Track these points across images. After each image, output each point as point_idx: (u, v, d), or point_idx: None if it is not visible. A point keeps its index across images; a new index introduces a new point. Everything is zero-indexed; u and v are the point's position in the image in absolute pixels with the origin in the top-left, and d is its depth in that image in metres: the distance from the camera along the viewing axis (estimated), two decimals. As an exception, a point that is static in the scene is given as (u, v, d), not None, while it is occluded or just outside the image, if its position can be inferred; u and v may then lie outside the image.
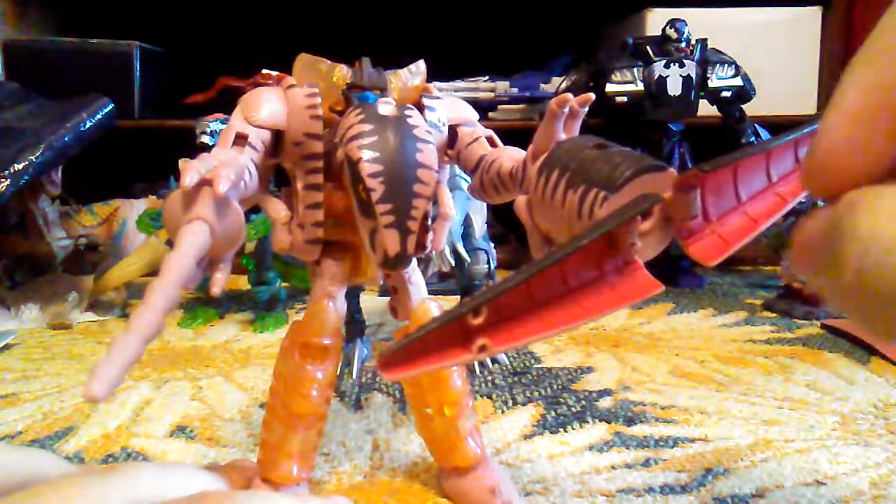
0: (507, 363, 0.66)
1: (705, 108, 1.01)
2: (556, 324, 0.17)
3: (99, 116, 0.91)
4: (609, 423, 0.52)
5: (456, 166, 0.38)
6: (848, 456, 0.46)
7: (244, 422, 0.53)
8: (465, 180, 0.65)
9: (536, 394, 0.58)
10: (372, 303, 0.88)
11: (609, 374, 0.63)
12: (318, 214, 0.36)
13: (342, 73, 0.37)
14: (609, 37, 1.29)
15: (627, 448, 0.48)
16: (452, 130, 0.37)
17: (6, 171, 0.79)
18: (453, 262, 0.67)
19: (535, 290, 0.17)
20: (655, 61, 0.97)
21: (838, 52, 1.19)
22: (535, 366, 0.66)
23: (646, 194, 0.20)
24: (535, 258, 0.27)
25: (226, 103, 0.80)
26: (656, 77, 0.96)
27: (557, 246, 0.17)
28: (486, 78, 1.19)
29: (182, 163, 0.74)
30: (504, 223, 1.17)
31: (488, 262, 0.70)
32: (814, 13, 1.19)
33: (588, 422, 0.53)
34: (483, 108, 1.12)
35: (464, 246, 0.67)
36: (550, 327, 0.17)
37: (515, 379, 0.62)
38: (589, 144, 0.24)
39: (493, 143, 0.36)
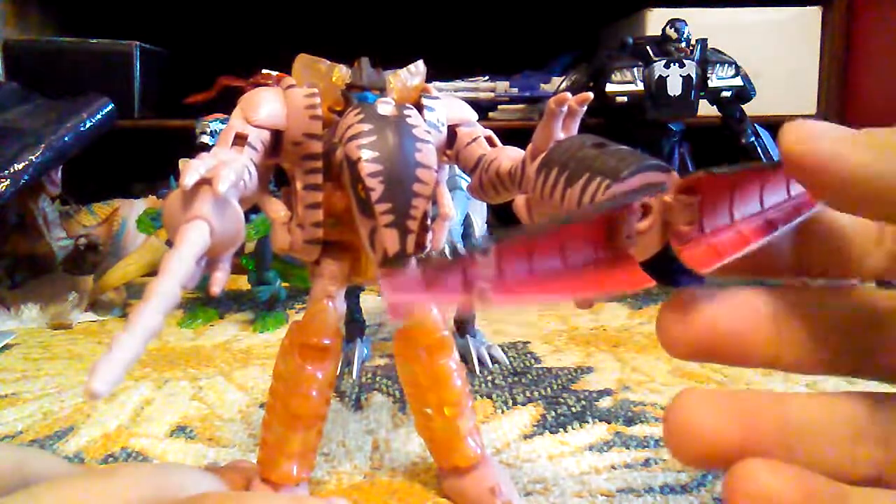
0: (507, 363, 0.66)
1: (705, 108, 1.00)
2: (552, 291, 0.18)
3: (99, 116, 0.91)
4: (609, 423, 0.52)
5: (456, 166, 0.38)
6: (848, 456, 0.46)
7: (244, 422, 0.53)
8: (465, 180, 0.65)
9: (536, 394, 0.58)
10: (372, 303, 0.88)
11: (609, 374, 0.63)
12: (318, 214, 0.36)
13: (341, 73, 0.37)
14: (609, 37, 1.29)
15: (627, 448, 0.48)
16: (451, 130, 0.37)
17: (6, 171, 0.79)
18: (453, 262, 0.67)
19: (535, 259, 0.18)
20: (655, 61, 0.97)
21: (838, 52, 1.19)
22: (535, 366, 0.66)
23: (650, 182, 0.20)
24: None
25: (226, 103, 0.80)
26: (656, 77, 0.96)
27: (566, 213, 0.18)
28: (486, 78, 1.19)
29: (182, 163, 0.74)
30: (504, 223, 1.18)
31: (488, 262, 0.69)
32: (814, 13, 1.19)
33: (588, 422, 0.53)
34: (483, 108, 1.12)
35: (464, 246, 0.67)
36: (545, 293, 0.17)
37: (515, 379, 0.62)
38: (588, 143, 0.24)
39: (491, 143, 0.36)
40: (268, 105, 0.34)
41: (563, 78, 1.10)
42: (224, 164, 0.26)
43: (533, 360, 0.68)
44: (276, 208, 0.36)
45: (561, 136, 0.27)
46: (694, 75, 0.96)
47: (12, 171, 0.79)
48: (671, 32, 0.97)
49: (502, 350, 0.68)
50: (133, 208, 1.05)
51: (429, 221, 0.34)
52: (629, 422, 0.52)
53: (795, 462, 0.17)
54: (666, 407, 0.18)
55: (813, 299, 0.18)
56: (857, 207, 0.17)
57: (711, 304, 0.18)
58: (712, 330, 0.18)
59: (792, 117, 0.19)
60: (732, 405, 0.17)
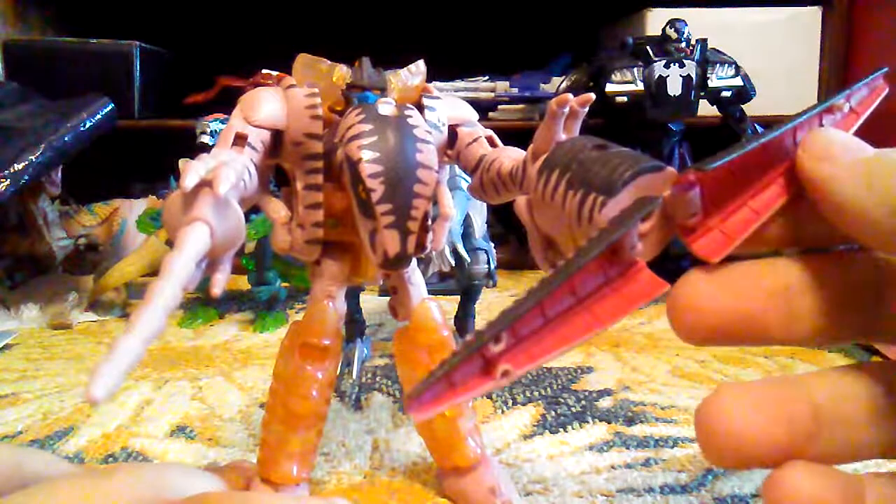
0: (507, 363, 0.66)
1: (705, 108, 1.00)
2: (572, 337, 0.17)
3: (99, 116, 0.91)
4: (609, 423, 0.52)
5: (456, 166, 0.38)
6: (848, 456, 0.46)
7: (244, 422, 0.53)
8: (465, 180, 0.65)
9: (536, 394, 0.58)
10: (372, 303, 0.88)
11: (609, 374, 0.63)
12: (318, 214, 0.36)
13: (342, 73, 0.37)
14: (609, 37, 1.29)
15: (627, 448, 0.48)
16: (452, 130, 0.37)
17: (6, 171, 0.79)
18: (453, 262, 0.67)
19: (547, 306, 0.17)
20: (655, 61, 0.97)
21: (838, 52, 1.19)
22: (535, 366, 0.66)
23: (645, 197, 0.20)
24: (536, 259, 0.27)
25: (226, 103, 0.80)
26: (656, 77, 0.96)
27: (566, 262, 0.17)
28: (486, 78, 1.19)
29: (182, 163, 0.74)
30: (504, 223, 1.17)
31: (488, 262, 0.70)
32: (814, 13, 1.19)
33: (588, 422, 0.53)
34: (483, 108, 1.12)
35: (464, 246, 0.67)
36: (567, 341, 0.17)
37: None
38: (589, 145, 0.24)
39: (492, 143, 0.36)
40: (268, 105, 0.34)
41: (563, 78, 1.10)
42: (224, 164, 0.26)
43: (533, 361, 0.67)
44: (277, 208, 0.36)
45: (562, 137, 0.27)
46: (694, 75, 0.96)
47: (12, 171, 0.79)
48: (671, 32, 0.97)
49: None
50: (133, 208, 1.05)
51: (429, 222, 0.34)
52: (629, 422, 0.52)
53: (823, 447, 0.17)
54: (698, 408, 0.17)
55: (821, 267, 0.18)
56: (850, 231, 0.17)
57: (721, 288, 0.18)
58: (725, 315, 0.18)
59: (792, 117, 0.19)
60: (768, 401, 0.17)
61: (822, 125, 0.20)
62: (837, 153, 0.17)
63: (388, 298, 0.41)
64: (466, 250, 0.67)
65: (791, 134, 0.19)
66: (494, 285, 0.71)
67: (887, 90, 0.22)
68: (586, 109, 0.27)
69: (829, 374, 0.18)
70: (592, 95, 0.28)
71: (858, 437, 0.17)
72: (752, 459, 0.17)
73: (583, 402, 0.56)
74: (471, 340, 0.16)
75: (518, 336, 0.17)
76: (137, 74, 1.15)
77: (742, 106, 1.01)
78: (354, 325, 0.66)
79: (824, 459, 0.17)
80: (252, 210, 0.71)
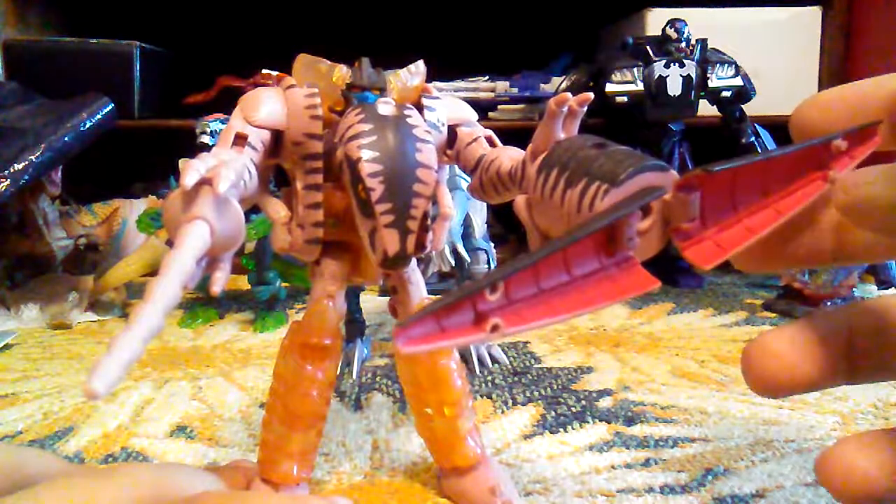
0: (507, 363, 0.66)
1: (705, 108, 1.01)
2: (560, 310, 0.17)
3: (99, 116, 0.91)
4: (609, 423, 0.52)
5: (456, 166, 0.38)
6: (848, 456, 0.46)
7: (244, 422, 0.53)
8: (465, 180, 0.65)
9: (536, 394, 0.58)
10: (372, 303, 0.88)
11: (609, 374, 0.63)
12: (318, 214, 0.36)
13: (342, 73, 0.37)
14: (609, 37, 1.29)
15: (627, 448, 0.48)
16: (452, 130, 0.37)
17: (6, 171, 0.79)
18: (453, 262, 0.67)
19: (542, 277, 0.17)
20: (655, 61, 0.97)
21: (838, 52, 1.19)
22: (535, 366, 0.66)
23: (650, 186, 0.20)
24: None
25: (226, 103, 0.80)
26: (656, 77, 0.96)
27: (566, 232, 0.18)
28: (486, 78, 1.19)
29: (182, 163, 0.74)
30: (504, 223, 1.18)
31: (488, 262, 0.70)
32: (814, 13, 1.19)
33: (588, 422, 0.53)
34: (483, 108, 1.12)
35: (464, 246, 0.67)
36: (556, 313, 0.17)
37: (515, 379, 0.62)
38: (588, 144, 0.24)
39: (492, 143, 0.36)
40: (268, 105, 0.34)
41: (563, 78, 1.10)
42: (224, 163, 0.26)
43: (533, 360, 0.68)
44: (277, 208, 0.36)
45: (561, 136, 0.27)
46: (694, 75, 0.96)
47: (12, 171, 0.79)
48: (671, 32, 0.98)
49: (502, 350, 0.68)
50: (133, 208, 1.05)
51: (429, 221, 0.34)
52: (629, 422, 0.52)
53: (860, 369, 0.18)
54: (744, 350, 0.19)
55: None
56: (885, 232, 0.18)
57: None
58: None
59: (793, 146, 0.19)
60: (803, 340, 0.19)
61: (823, 164, 0.20)
62: (867, 176, 0.18)
63: (388, 298, 0.41)
64: (466, 250, 0.67)
65: (791, 161, 0.20)
66: (494, 285, 0.71)
67: (880, 142, 0.22)
68: (585, 109, 0.28)
69: (860, 305, 0.19)
70: (591, 95, 0.28)
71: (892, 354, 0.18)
72: (792, 391, 0.19)
73: (583, 402, 0.56)
74: (468, 284, 0.16)
75: (511, 298, 0.17)
76: (137, 74, 1.15)
77: (742, 106, 1.01)
78: (354, 325, 0.66)
79: (863, 380, 0.19)
80: (252, 210, 0.71)
